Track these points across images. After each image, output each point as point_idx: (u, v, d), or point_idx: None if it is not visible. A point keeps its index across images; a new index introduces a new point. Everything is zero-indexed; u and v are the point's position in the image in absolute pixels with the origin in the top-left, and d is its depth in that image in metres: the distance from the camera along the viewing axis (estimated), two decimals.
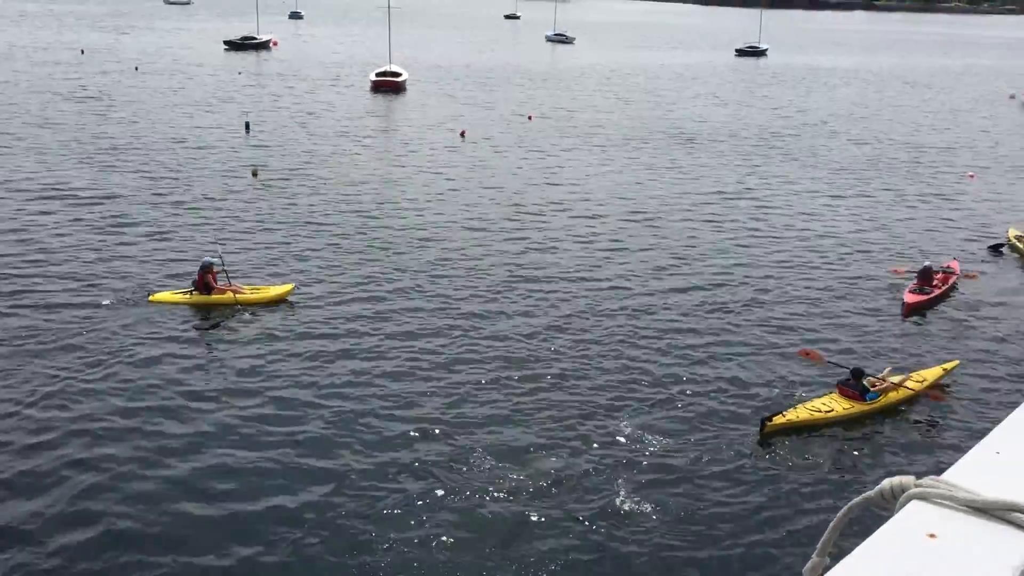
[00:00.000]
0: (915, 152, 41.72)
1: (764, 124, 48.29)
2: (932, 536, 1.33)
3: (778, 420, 14.38)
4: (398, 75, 56.94)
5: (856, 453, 14.47)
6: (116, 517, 11.66)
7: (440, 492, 12.40)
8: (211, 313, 18.79)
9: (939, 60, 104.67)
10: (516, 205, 28.70)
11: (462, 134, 41.07)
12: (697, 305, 20.41)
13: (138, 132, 37.52)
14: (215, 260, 19.61)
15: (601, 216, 27.84)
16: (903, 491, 1.47)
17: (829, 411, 14.88)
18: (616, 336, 18.33)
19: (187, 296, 18.99)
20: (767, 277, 22.68)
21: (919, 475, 1.47)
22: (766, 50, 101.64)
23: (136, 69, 58.41)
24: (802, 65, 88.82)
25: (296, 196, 28.52)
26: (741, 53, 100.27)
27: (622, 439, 14.09)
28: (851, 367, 15.65)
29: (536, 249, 24.12)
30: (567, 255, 23.72)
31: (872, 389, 15.30)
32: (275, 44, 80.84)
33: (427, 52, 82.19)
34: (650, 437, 14.15)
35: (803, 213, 29.44)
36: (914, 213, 30.21)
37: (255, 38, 79.56)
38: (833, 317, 20.18)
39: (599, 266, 22.95)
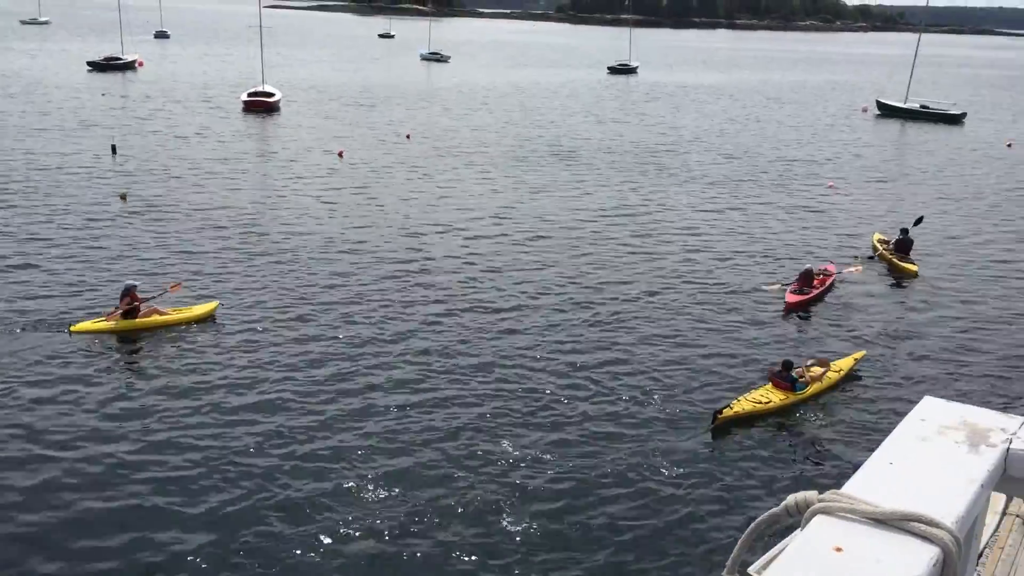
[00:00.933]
0: (781, 165, 43.52)
1: (640, 140, 49.50)
2: (839, 549, 1.38)
3: (727, 412, 15.58)
4: (271, 95, 55.87)
5: (794, 441, 15.61)
6: (28, 549, 11.38)
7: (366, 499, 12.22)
8: (136, 337, 18.52)
9: (799, 76, 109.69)
10: (400, 224, 28.53)
11: (340, 154, 40.62)
12: (585, 321, 20.70)
13: None
14: (136, 283, 19.48)
15: (485, 235, 27.95)
16: (808, 506, 1.52)
17: (768, 402, 16.22)
18: (502, 355, 18.42)
19: (110, 323, 18.57)
20: (652, 291, 23.19)
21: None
22: (637, 68, 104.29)
23: None
24: (671, 82, 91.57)
25: (167, 220, 27.61)
26: (613, 71, 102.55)
27: (504, 461, 14.16)
28: (782, 360, 17.10)
29: (420, 269, 24.02)
30: (452, 274, 23.70)
31: (799, 380, 16.64)
32: (141, 65, 78.20)
33: (301, 72, 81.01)
34: (523, 456, 14.26)
35: (682, 226, 30.26)
36: (783, 224, 31.44)
37: (120, 58, 76.70)
38: (718, 321, 21.06)
39: (483, 285, 23.02)
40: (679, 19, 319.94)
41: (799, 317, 21.82)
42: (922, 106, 68.49)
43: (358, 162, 39.19)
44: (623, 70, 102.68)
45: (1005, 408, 16.62)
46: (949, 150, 51.75)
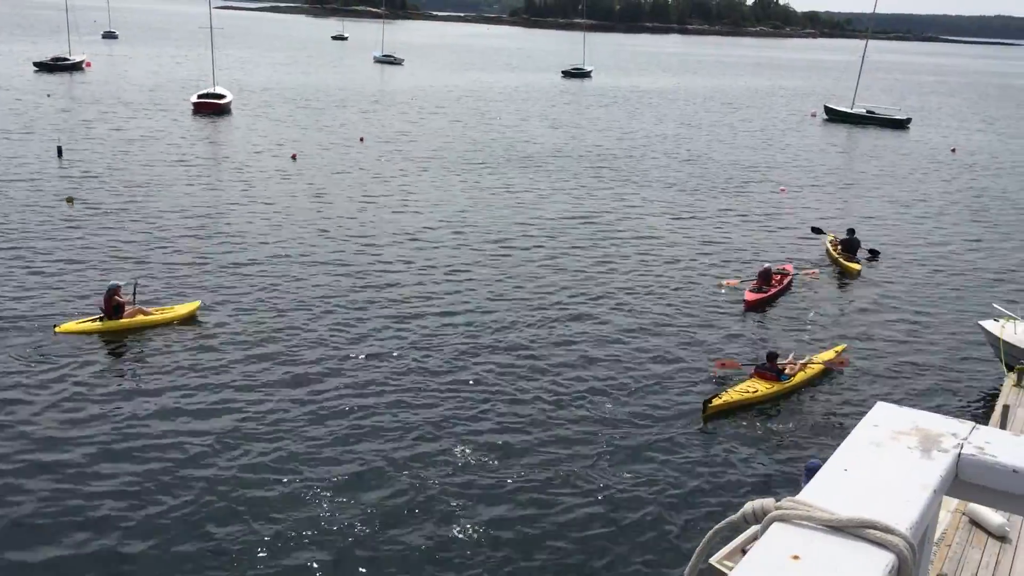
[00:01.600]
0: (734, 169, 44.03)
1: (596, 145, 49.73)
2: (796, 558, 1.39)
3: (716, 402, 16.22)
4: (221, 97, 55.20)
5: (783, 427, 16.21)
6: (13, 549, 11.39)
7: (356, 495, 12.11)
8: (122, 337, 18.52)
9: (750, 81, 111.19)
10: (354, 227, 28.36)
11: (293, 157, 40.27)
12: (539, 323, 20.73)
13: None
14: (120, 283, 19.49)
15: (440, 239, 27.88)
16: (765, 513, 1.53)
17: (755, 392, 16.89)
18: (458, 357, 18.39)
19: (95, 323, 18.65)
20: (608, 294, 23.30)
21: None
22: (591, 71, 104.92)
23: None
24: (625, 86, 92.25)
25: (115, 224, 27.13)
26: (567, 74, 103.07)
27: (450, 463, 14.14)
28: (766, 352, 17.90)
29: (375, 272, 23.88)
30: (407, 275, 23.60)
31: (784, 371, 17.43)
32: (88, 65, 76.85)
33: (253, 73, 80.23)
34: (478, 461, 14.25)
35: (637, 229, 30.42)
36: (737, 227, 31.78)
37: (67, 59, 75.25)
38: (680, 319, 21.53)
39: (438, 288, 22.95)
40: (631, 24, 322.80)
41: (758, 314, 22.36)
42: (868, 111, 69.79)
43: (311, 165, 38.87)
44: (577, 74, 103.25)
45: (939, 406, 17.00)
46: (895, 155, 52.76)
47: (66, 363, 17.03)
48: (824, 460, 1.75)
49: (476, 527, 12.37)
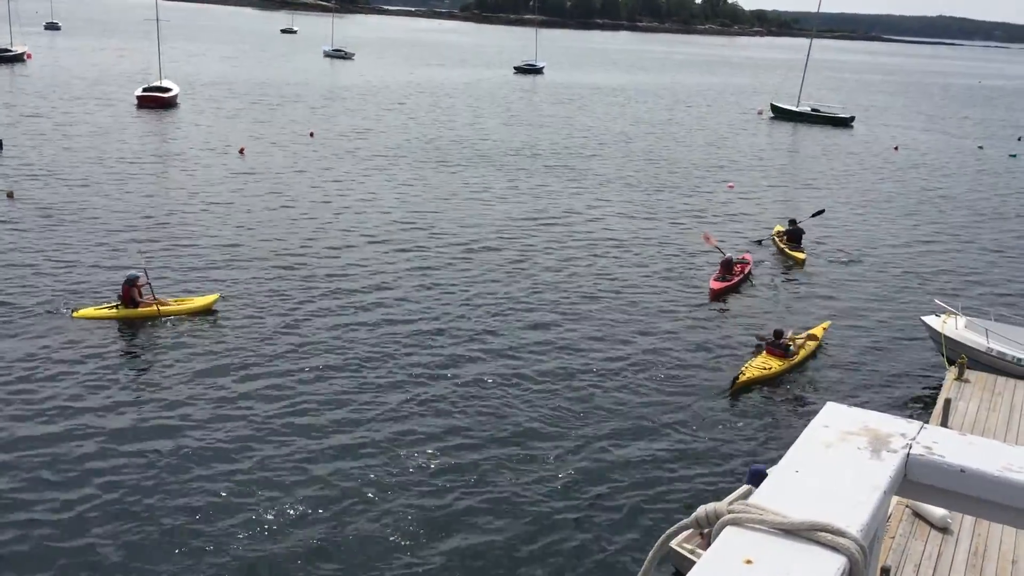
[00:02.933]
0: (684, 166, 44.45)
1: (548, 141, 49.72)
2: (749, 562, 1.39)
3: (742, 379, 17.47)
4: (167, 90, 54.26)
5: (800, 395, 17.83)
6: (26, 539, 11.66)
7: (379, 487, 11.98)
8: (137, 326, 18.88)
9: (699, 78, 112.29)
10: (303, 223, 28.09)
11: (241, 151, 39.74)
12: (494, 320, 20.73)
13: None
14: (139, 273, 19.75)
15: (391, 236, 27.72)
16: (717, 517, 1.53)
17: (769, 368, 18.17)
18: (409, 361, 18.32)
19: (112, 310, 19.09)
20: (565, 289, 23.37)
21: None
22: (543, 68, 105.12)
23: None
24: (577, 82, 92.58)
25: (56, 220, 26.55)
26: (519, 70, 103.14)
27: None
28: (773, 331, 19.23)
29: (325, 268, 23.66)
30: (359, 271, 23.44)
31: (790, 348, 18.68)
32: (29, 57, 75.11)
33: (201, 67, 79.02)
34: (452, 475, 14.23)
35: (592, 225, 30.54)
36: (688, 220, 32.08)
37: (8, 50, 73.46)
38: (649, 309, 22.28)
39: (389, 287, 22.82)
40: (583, 20, 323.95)
41: (723, 303, 23.27)
42: (813, 109, 70.85)
43: (260, 160, 38.40)
44: (529, 70, 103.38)
45: (883, 401, 17.35)
46: (839, 153, 53.61)
47: (80, 347, 17.50)
48: (767, 464, 1.76)
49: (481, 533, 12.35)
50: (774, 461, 13.73)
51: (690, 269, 25.94)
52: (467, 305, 21.59)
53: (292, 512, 12.44)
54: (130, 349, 17.98)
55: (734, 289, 24.16)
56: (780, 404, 17.34)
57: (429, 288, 22.70)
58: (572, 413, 16.14)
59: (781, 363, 18.40)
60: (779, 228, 29.92)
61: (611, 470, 14.22)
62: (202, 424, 14.86)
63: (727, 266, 24.38)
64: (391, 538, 12.05)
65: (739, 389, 17.37)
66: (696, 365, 18.83)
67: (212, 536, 11.85)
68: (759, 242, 29.40)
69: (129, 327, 18.80)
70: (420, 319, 20.41)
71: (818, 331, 20.33)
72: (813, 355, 19.54)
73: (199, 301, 19.94)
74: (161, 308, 19.32)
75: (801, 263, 27.24)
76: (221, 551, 11.57)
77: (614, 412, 16.30)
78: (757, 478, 11.13)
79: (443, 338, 19.35)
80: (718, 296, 23.46)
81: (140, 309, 19.21)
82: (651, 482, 13.99)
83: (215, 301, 20.02)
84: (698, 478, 14.22)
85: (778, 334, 18.80)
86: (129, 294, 19.17)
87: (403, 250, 25.96)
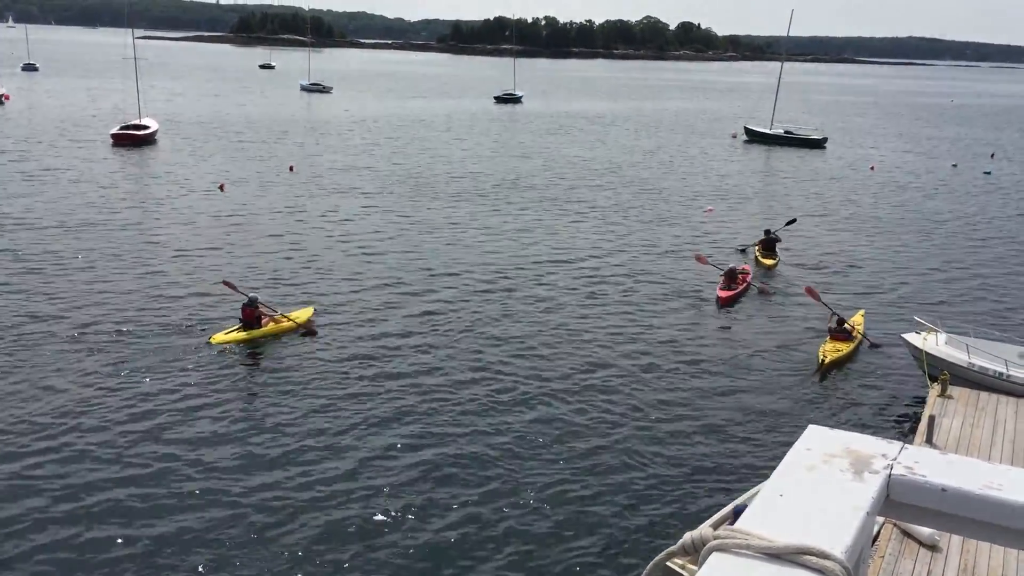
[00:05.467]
0: (664, 191, 44.71)
1: (531, 171, 49.73)
2: None
3: (827, 361, 20.31)
4: (144, 128, 54.17)
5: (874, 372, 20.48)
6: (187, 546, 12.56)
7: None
8: (260, 344, 20.31)
9: (675, 104, 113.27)
10: (284, 257, 28.04)
11: (221, 187, 39.68)
12: (485, 353, 20.73)
13: None
14: (257, 295, 21.28)
15: (373, 272, 27.73)
16: (704, 543, 1.55)
17: (840, 351, 20.91)
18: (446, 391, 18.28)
19: (242, 333, 20.34)
20: (562, 315, 23.42)
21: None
22: (522, 97, 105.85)
23: None
24: (556, 111, 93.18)
25: (34, 258, 26.40)
26: (500, 100, 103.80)
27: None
28: (836, 317, 22.00)
29: (307, 301, 23.60)
30: (341, 302, 23.41)
31: (852, 331, 21.67)
32: (7, 98, 74.94)
33: (181, 104, 79.06)
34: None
35: (582, 251, 30.60)
36: (672, 244, 32.24)
37: None
38: (658, 319, 22.71)
39: (371, 319, 22.80)
40: (558, 49, 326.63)
41: (731, 309, 24.87)
42: (786, 131, 71.52)
43: (240, 195, 38.34)
44: (509, 99, 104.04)
45: (866, 420, 17.41)
46: (814, 174, 54.06)
47: (214, 370, 18.76)
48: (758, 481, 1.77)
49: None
50: (761, 474, 13.88)
51: (695, 287, 26.93)
52: (465, 335, 21.58)
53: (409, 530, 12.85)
54: (267, 366, 19.33)
55: (740, 296, 25.78)
56: (765, 416, 17.37)
57: (423, 323, 22.67)
58: (589, 419, 16.17)
59: (847, 346, 21.19)
60: (757, 244, 31.27)
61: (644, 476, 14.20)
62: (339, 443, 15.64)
63: (731, 275, 25.99)
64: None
65: (824, 370, 20.13)
66: (716, 373, 20.10)
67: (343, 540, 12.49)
68: (743, 250, 31.43)
69: (255, 346, 20.27)
70: (421, 368, 20.38)
71: (859, 318, 23.03)
72: (864, 337, 22.19)
73: (303, 314, 21.60)
74: (280, 325, 20.87)
75: (772, 268, 29.38)
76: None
77: (642, 423, 16.36)
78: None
79: (432, 377, 19.32)
80: (726, 304, 24.99)
81: (265, 328, 20.65)
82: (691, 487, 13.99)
83: (312, 313, 21.88)
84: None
85: (840, 321, 21.68)
86: (252, 315, 20.48)
87: (389, 284, 25.95)
